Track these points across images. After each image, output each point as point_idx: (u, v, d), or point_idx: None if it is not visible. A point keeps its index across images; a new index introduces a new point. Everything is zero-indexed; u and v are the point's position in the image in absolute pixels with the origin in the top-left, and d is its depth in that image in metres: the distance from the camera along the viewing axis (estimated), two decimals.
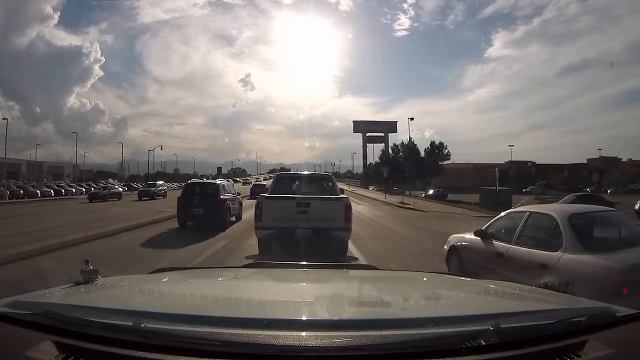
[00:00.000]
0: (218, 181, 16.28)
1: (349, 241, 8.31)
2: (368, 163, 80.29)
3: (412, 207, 25.79)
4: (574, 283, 2.87)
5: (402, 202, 28.05)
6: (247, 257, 7.71)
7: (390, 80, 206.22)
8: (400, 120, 76.52)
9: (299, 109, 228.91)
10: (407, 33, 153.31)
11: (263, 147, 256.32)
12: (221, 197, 13.29)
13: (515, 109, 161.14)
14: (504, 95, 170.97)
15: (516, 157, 73.86)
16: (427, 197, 39.56)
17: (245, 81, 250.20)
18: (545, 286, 1.88)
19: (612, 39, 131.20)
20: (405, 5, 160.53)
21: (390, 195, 35.57)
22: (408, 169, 53.86)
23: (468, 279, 2.24)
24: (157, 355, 1.04)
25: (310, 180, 9.79)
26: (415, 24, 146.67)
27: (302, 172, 11.55)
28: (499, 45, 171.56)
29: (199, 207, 12.58)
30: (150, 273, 2.16)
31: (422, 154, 57.66)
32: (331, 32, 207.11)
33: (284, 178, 10.08)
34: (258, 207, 7.84)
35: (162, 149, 53.81)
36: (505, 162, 74.10)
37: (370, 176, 71.12)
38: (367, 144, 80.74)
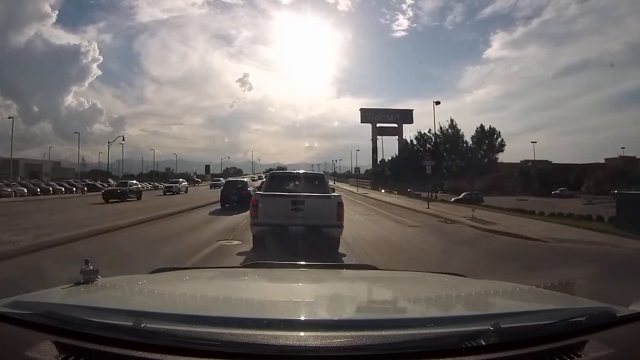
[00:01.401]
0: (244, 179, 26.23)
1: None
2: (380, 159, 65.33)
3: (501, 229, 12.44)
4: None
5: (475, 218, 15.30)
6: (239, 254, 7.88)
7: (389, 81, 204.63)
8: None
9: (297, 109, 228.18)
10: (406, 34, 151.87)
11: (261, 147, 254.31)
12: (248, 188, 20.62)
13: (513, 109, 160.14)
14: (502, 96, 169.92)
15: (516, 159, 71.65)
16: (459, 201, 29.85)
17: (243, 81, 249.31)
18: (546, 286, 1.88)
19: (612, 39, 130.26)
20: (404, 6, 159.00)
21: (425, 202, 24.40)
22: (446, 164, 37.19)
23: (468, 279, 2.24)
24: (157, 355, 1.04)
25: (303, 178, 10.00)
26: (414, 25, 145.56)
27: (295, 171, 12.01)
28: (497, 46, 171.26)
29: (234, 195, 20.02)
30: (150, 273, 2.16)
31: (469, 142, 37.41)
32: (330, 33, 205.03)
33: (278, 176, 10.33)
34: (254, 204, 8.01)
35: (124, 139, 51.65)
36: (521, 161, 70.46)
37: (381, 175, 59.65)
38: (378, 137, 66.99)
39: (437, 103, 33.36)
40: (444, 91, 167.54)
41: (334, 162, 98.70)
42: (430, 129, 39.15)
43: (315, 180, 9.77)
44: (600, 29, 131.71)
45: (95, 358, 1.07)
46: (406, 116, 65.95)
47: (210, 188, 45.05)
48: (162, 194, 37.70)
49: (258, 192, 8.88)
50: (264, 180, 13.53)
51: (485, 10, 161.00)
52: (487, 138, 37.23)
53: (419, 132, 41.48)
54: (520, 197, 37.73)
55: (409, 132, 56.31)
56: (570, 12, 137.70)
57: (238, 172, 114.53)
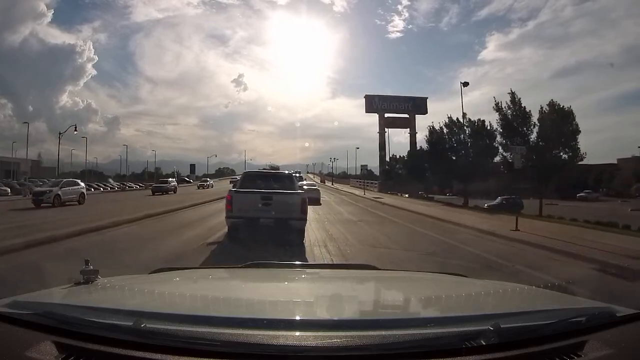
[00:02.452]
0: None
1: None
2: (390, 156, 54.82)
3: None
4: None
5: None
6: (209, 244, 8.81)
7: (384, 82, 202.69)
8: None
9: (291, 110, 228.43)
10: (401, 35, 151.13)
11: (255, 147, 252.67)
12: None
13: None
14: (497, 97, 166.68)
15: None
16: (496, 208, 24.13)
17: (237, 81, 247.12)
18: (546, 286, 1.88)
19: (608, 42, 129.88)
20: (399, 7, 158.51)
21: (484, 215, 18.60)
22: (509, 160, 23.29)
23: (468, 279, 2.23)
24: (157, 355, 1.04)
25: (273, 177, 11.06)
26: (410, 26, 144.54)
27: (266, 171, 14.14)
28: (493, 47, 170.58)
29: None
30: (150, 273, 2.16)
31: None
32: (325, 34, 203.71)
33: (251, 175, 11.28)
34: (228, 200, 8.88)
35: (75, 130, 46.16)
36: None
37: (392, 174, 50.07)
38: (386, 130, 56.42)
39: (465, 84, 26.79)
40: (439, 92, 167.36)
41: (332, 160, 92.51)
42: (465, 113, 28.95)
43: (285, 179, 10.73)
44: (596, 31, 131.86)
45: (96, 358, 1.07)
46: (419, 105, 55.55)
47: (153, 193, 35.60)
48: (34, 205, 19.93)
49: (232, 189, 9.75)
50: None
51: (481, 12, 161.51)
52: (561, 122, 23.52)
53: (450, 117, 30.25)
54: (549, 201, 29.59)
55: (408, 135, 51.58)
56: (566, 14, 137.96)
57: (231, 172, 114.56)
